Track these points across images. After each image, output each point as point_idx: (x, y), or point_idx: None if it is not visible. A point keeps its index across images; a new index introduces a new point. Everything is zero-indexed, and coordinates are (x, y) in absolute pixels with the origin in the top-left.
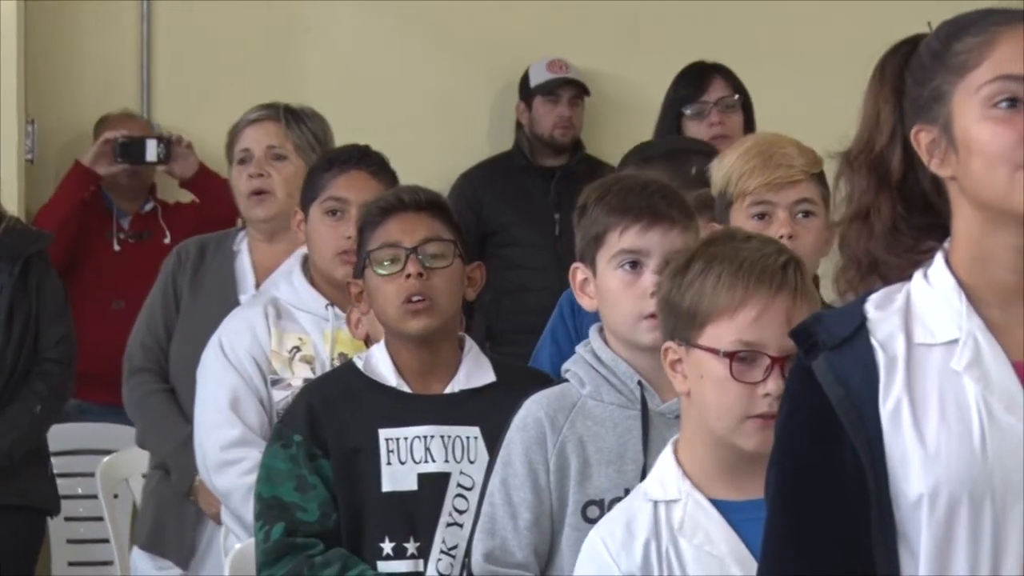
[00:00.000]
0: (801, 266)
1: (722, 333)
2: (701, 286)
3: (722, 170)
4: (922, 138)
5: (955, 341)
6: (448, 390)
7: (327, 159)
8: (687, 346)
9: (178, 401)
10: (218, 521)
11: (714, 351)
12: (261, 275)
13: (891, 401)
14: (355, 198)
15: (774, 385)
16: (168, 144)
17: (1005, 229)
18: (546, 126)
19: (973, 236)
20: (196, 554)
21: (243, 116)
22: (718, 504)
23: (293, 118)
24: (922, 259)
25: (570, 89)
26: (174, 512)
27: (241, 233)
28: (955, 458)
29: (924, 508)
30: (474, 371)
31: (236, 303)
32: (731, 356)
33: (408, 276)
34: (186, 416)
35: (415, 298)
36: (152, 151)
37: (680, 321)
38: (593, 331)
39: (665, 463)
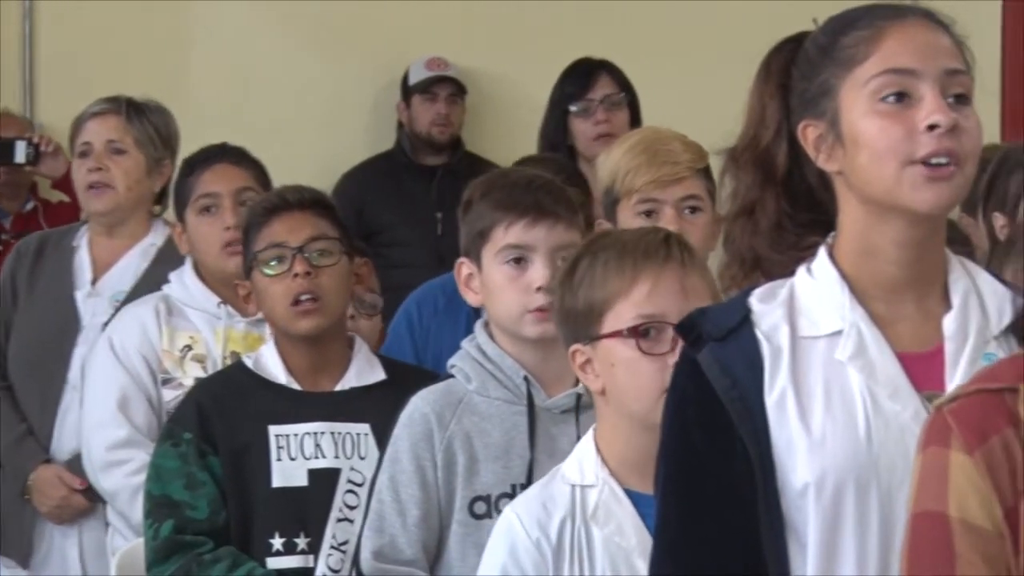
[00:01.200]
0: (683, 239)
1: (622, 314)
2: (591, 280)
3: (608, 167)
4: (809, 133)
5: (839, 332)
6: (338, 388)
7: (188, 164)
8: (592, 341)
9: (14, 399)
10: (55, 520)
11: (618, 333)
12: (100, 270)
13: (776, 392)
14: (224, 189)
15: None
16: (37, 146)
17: (891, 223)
18: (424, 124)
19: (859, 230)
20: (37, 553)
21: (86, 109)
22: (633, 495)
23: (135, 112)
24: (805, 256)
25: (447, 87)
26: (12, 511)
27: (83, 228)
28: (840, 446)
29: (811, 497)
30: (364, 369)
31: (72, 299)
32: (635, 332)
33: (296, 275)
34: (21, 414)
35: (303, 297)
36: (21, 153)
37: (580, 321)
38: (479, 327)
39: (585, 449)
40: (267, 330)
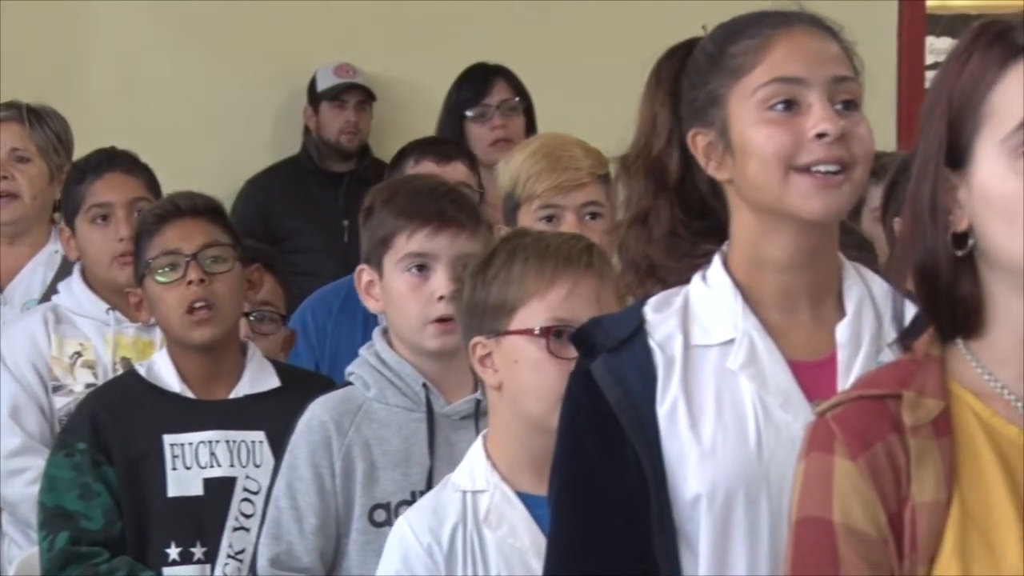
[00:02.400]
0: (603, 252)
1: (534, 313)
2: (507, 275)
3: (509, 172)
4: (699, 141)
5: (731, 341)
6: (232, 395)
7: (78, 169)
8: (497, 336)
9: None
10: None
11: (529, 332)
12: (4, 278)
13: (668, 402)
14: (116, 199)
15: None
16: None
17: (781, 231)
18: (333, 131)
19: (750, 238)
20: None
21: None
22: (524, 497)
23: (36, 119)
24: (700, 263)
25: (356, 94)
26: None
27: None
28: (731, 456)
29: (702, 507)
30: (258, 376)
31: None
32: (547, 333)
33: (189, 283)
34: None
35: (198, 305)
36: None
37: (487, 315)
38: (377, 334)
39: (475, 455)
40: (157, 335)
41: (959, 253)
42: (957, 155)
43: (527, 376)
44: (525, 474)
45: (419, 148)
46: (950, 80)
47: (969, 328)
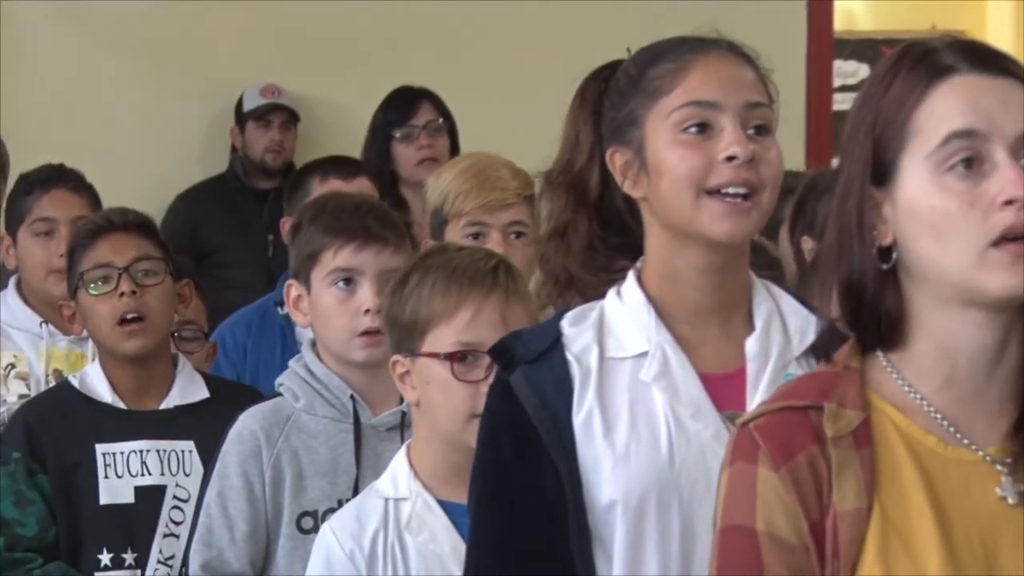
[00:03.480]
0: (512, 268)
1: (441, 337)
2: (418, 296)
3: (439, 188)
4: (617, 159)
5: (644, 354)
6: (163, 406)
7: (26, 182)
8: (412, 356)
9: None
10: None
11: (435, 355)
12: None
13: (584, 412)
14: (61, 216)
15: None
16: None
17: (691, 249)
18: (258, 150)
19: (663, 255)
20: None
21: None
22: (445, 505)
23: None
24: (615, 278)
25: (281, 114)
26: None
27: None
28: (644, 464)
29: (617, 512)
30: (188, 387)
31: None
32: (451, 357)
33: (122, 294)
34: None
35: (129, 316)
36: None
37: (403, 333)
38: (305, 346)
39: (399, 463)
40: (89, 348)
41: (884, 267)
42: (882, 172)
43: (438, 396)
44: (445, 483)
45: (324, 166)
46: (874, 100)
47: (891, 340)
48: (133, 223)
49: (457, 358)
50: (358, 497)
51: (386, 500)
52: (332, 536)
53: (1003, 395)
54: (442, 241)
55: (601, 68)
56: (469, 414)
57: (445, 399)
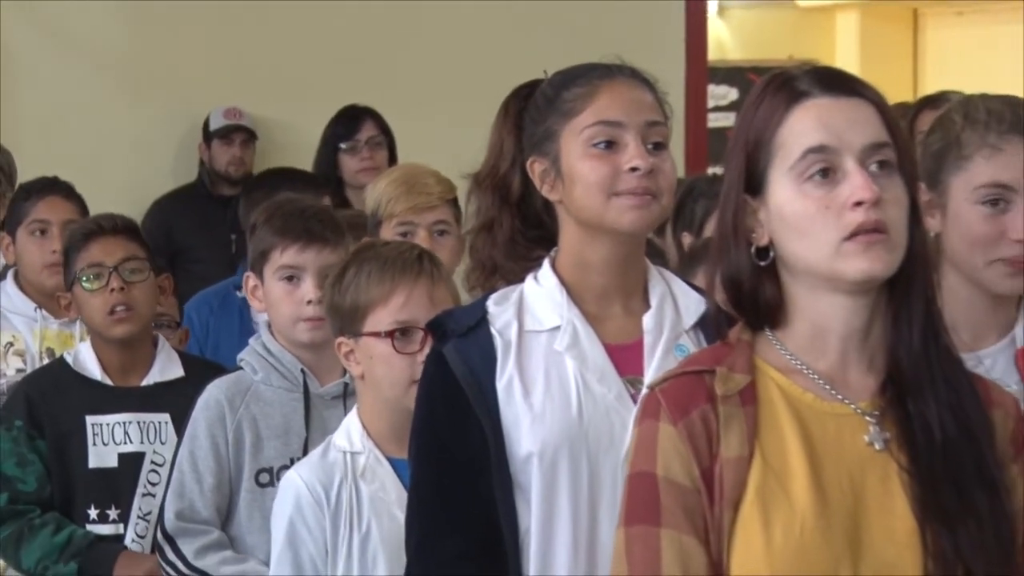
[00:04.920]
0: (433, 257)
1: (380, 318)
2: (356, 285)
3: (374, 195)
4: (536, 168)
5: (557, 328)
6: (144, 383)
7: (24, 190)
8: (355, 337)
9: None
10: None
11: (377, 334)
12: None
13: (505, 377)
14: (54, 219)
15: None
16: None
17: (600, 242)
18: (222, 164)
19: (575, 247)
20: None
21: None
22: (390, 460)
23: None
24: (533, 266)
25: (242, 134)
26: None
27: None
28: (557, 421)
29: (534, 463)
30: (166, 366)
31: None
32: (391, 335)
33: (112, 290)
34: None
35: (118, 308)
36: None
37: (345, 318)
38: (263, 328)
39: (351, 423)
40: (77, 329)
41: (763, 264)
42: (755, 183)
43: (381, 369)
44: (390, 441)
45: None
46: (747, 123)
47: (774, 321)
48: (121, 227)
49: (396, 335)
50: (318, 450)
51: (344, 453)
52: (300, 481)
53: (871, 360)
54: (377, 239)
55: (521, 86)
56: (409, 380)
57: (388, 370)
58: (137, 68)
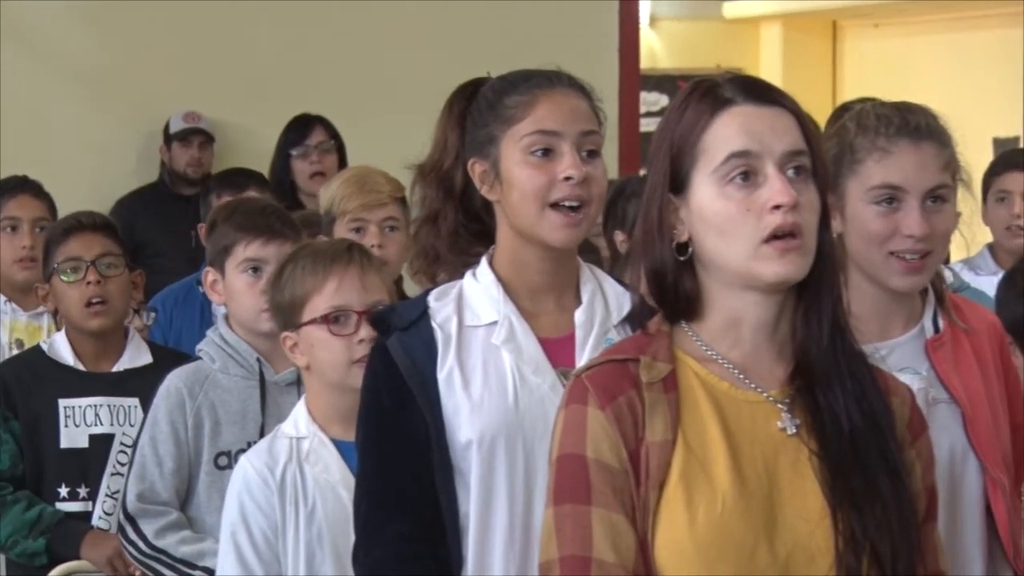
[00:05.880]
0: (363, 247)
1: (316, 306)
2: (293, 280)
3: (328, 194)
4: (476, 168)
5: (495, 323)
6: (115, 369)
7: None
8: (296, 329)
9: None
10: None
11: (314, 321)
12: None
13: (446, 369)
14: (25, 216)
15: (365, 332)
16: None
17: (534, 245)
18: (181, 165)
19: (511, 246)
20: None
21: None
22: (336, 442)
23: None
24: (472, 261)
25: (200, 136)
26: None
27: None
28: (495, 410)
29: (473, 450)
30: (136, 354)
31: None
32: (327, 319)
33: (88, 283)
34: None
35: (95, 300)
36: None
37: (286, 313)
38: (220, 319)
39: (299, 410)
40: (44, 321)
41: (682, 259)
42: (679, 183)
43: (322, 354)
44: (335, 424)
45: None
46: (672, 126)
47: (691, 314)
48: (99, 224)
49: (331, 319)
50: (267, 437)
51: (291, 439)
52: (249, 466)
53: (780, 352)
54: (332, 236)
55: (466, 84)
56: (349, 361)
57: (328, 354)
58: (103, 75)
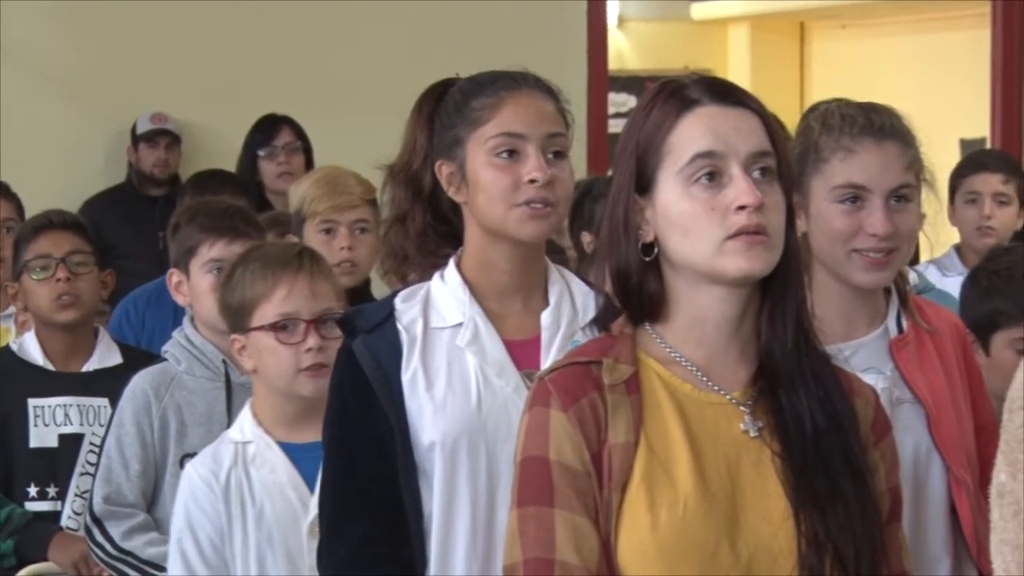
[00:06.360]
0: (314, 253)
1: (265, 313)
2: (242, 284)
3: (298, 194)
4: (444, 170)
5: (460, 324)
6: (85, 369)
7: None
8: (245, 333)
9: None
10: None
11: (263, 328)
12: None
13: (410, 371)
14: None
15: (313, 341)
16: None
17: (502, 244)
18: (148, 165)
19: (479, 247)
20: None
21: None
22: (283, 445)
23: None
24: (441, 262)
25: (166, 137)
26: None
27: None
28: (458, 412)
29: (436, 451)
30: (106, 354)
31: None
32: (275, 327)
33: (58, 280)
34: None
35: (64, 296)
36: None
37: (236, 316)
38: (186, 321)
39: (244, 415)
40: (12, 323)
41: (647, 259)
42: (644, 183)
43: (269, 360)
44: (281, 428)
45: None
46: (638, 126)
47: (655, 315)
48: (69, 223)
49: (279, 327)
50: (213, 443)
51: (235, 444)
52: (194, 473)
53: (743, 353)
54: (301, 236)
55: (435, 85)
56: (295, 369)
57: (275, 361)
58: (71, 76)
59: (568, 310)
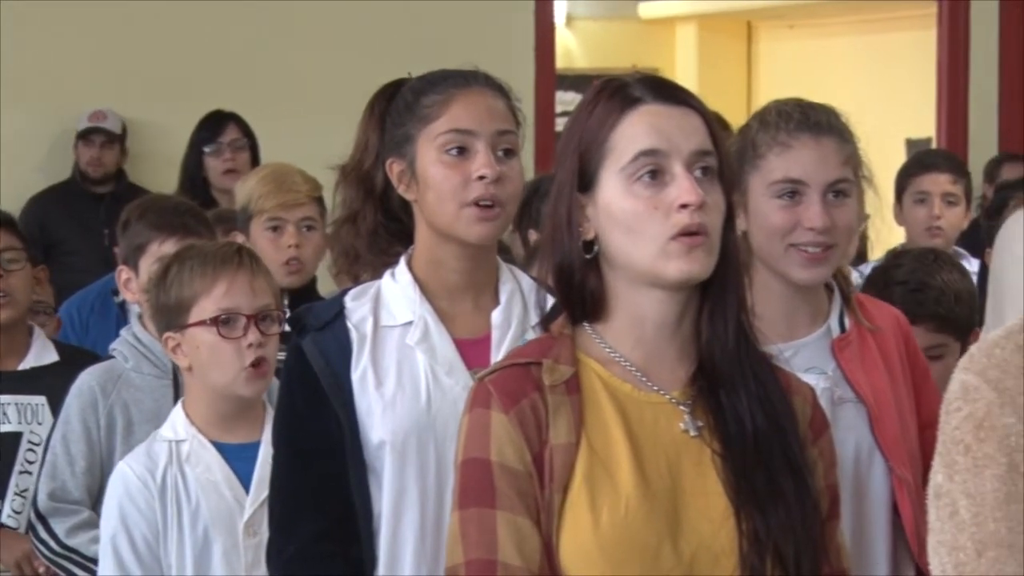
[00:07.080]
0: (251, 251)
1: (205, 308)
2: (179, 282)
3: (245, 191)
4: (394, 168)
5: (410, 323)
6: (21, 367)
7: None
8: (181, 330)
9: None
10: None
11: (203, 323)
12: None
13: (360, 369)
14: None
15: (253, 336)
16: None
17: (451, 244)
18: (84, 163)
19: (429, 246)
20: None
21: None
22: (217, 445)
23: None
24: (391, 260)
25: (101, 136)
26: None
27: None
28: (407, 411)
29: (386, 449)
30: (41, 352)
31: None
32: (215, 322)
33: None
34: None
35: None
36: None
37: (171, 314)
38: (133, 319)
39: (176, 414)
40: None
41: (588, 256)
42: (586, 181)
43: (208, 357)
44: (215, 427)
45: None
46: (580, 124)
47: (595, 314)
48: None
49: (220, 321)
50: (145, 442)
51: (169, 442)
52: (129, 470)
53: (682, 352)
54: (248, 234)
55: (387, 85)
56: (239, 366)
57: (215, 357)
58: (14, 71)
59: (519, 309)
